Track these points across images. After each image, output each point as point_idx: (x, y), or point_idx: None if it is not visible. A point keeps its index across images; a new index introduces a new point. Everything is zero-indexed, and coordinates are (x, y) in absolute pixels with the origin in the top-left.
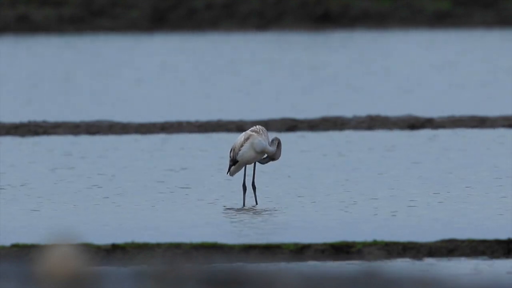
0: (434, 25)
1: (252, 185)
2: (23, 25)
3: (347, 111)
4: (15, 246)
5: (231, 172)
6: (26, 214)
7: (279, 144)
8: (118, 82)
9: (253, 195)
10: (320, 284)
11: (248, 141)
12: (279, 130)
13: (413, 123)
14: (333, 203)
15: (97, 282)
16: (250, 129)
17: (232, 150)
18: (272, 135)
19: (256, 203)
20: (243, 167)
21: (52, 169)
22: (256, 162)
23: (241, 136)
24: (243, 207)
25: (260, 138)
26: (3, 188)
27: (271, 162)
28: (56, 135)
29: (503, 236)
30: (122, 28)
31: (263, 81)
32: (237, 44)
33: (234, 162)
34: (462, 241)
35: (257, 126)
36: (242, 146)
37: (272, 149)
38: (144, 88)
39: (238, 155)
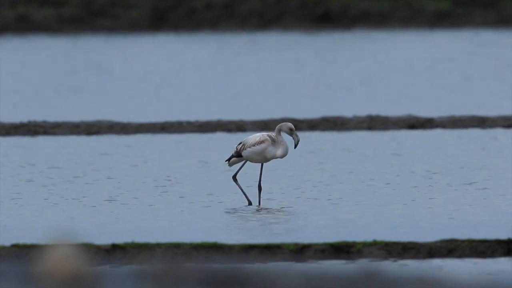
0: (434, 25)
1: (258, 186)
2: (23, 25)
3: (347, 111)
4: (15, 246)
5: (230, 163)
6: (26, 214)
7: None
8: (118, 82)
9: (258, 195)
10: (320, 284)
11: (263, 144)
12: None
13: (413, 123)
14: (333, 203)
15: (97, 282)
16: (268, 133)
17: (242, 144)
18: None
19: (259, 204)
20: (241, 163)
21: (52, 169)
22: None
23: (257, 136)
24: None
25: (274, 148)
26: (3, 188)
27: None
28: (56, 135)
29: (503, 236)
30: (122, 28)
31: (263, 81)
32: (237, 44)
33: (238, 155)
34: (462, 241)
35: (274, 134)
36: (254, 145)
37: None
38: (144, 88)
39: (246, 151)
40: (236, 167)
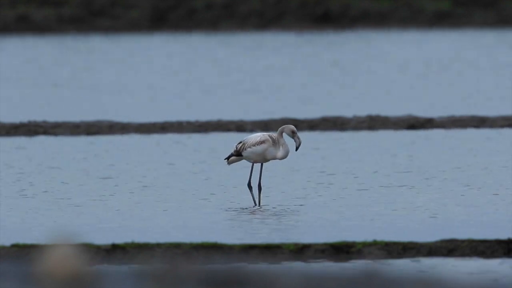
0: (434, 25)
1: (258, 185)
2: (23, 25)
3: (347, 111)
4: (15, 246)
5: (230, 161)
6: (26, 214)
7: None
8: (118, 82)
9: (258, 195)
10: (320, 284)
11: (264, 145)
12: None
13: (413, 123)
14: (333, 203)
15: (97, 282)
16: (269, 134)
17: (242, 143)
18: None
19: (259, 204)
20: (250, 168)
21: (52, 169)
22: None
23: (257, 136)
24: (254, 206)
25: (274, 149)
26: (3, 188)
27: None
28: (56, 135)
29: (503, 236)
30: (122, 28)
31: (263, 81)
32: (237, 44)
33: (237, 154)
34: (462, 241)
35: (275, 135)
36: (254, 145)
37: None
38: (144, 88)
39: (246, 151)
40: (236, 165)
